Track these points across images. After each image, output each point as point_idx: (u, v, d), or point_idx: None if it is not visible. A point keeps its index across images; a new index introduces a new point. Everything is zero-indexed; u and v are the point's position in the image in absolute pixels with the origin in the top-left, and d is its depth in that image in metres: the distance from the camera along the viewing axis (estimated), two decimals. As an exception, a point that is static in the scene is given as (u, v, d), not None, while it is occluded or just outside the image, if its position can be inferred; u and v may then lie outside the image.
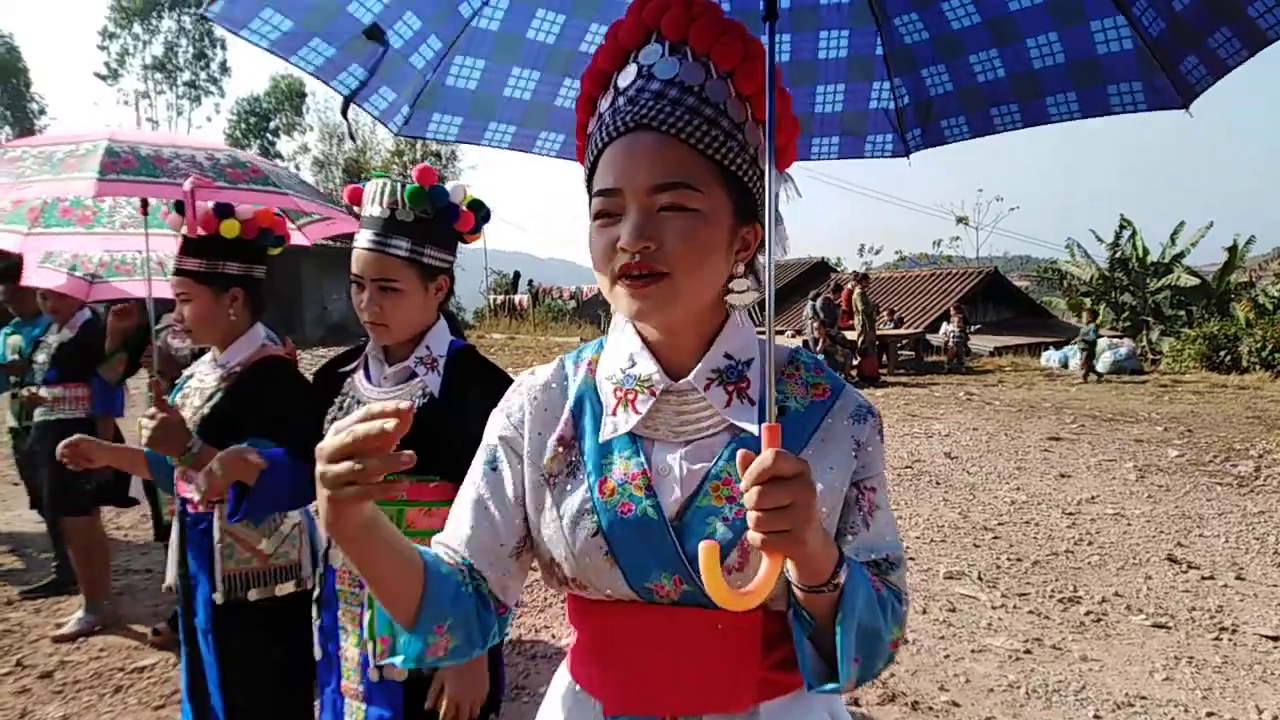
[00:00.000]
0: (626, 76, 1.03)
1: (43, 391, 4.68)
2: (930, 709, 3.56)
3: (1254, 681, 3.79)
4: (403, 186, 1.83)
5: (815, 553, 0.90)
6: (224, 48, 42.63)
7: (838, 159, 1.71)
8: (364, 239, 1.84)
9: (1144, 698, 3.64)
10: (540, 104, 1.61)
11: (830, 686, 0.98)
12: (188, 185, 2.28)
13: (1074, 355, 16.82)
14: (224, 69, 42.85)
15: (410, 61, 1.42)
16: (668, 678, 1.04)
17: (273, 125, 42.70)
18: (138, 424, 2.26)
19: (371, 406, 0.86)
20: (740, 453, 0.89)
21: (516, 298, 30.58)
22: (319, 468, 0.86)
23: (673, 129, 0.98)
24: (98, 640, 4.33)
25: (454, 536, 1.11)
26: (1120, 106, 1.42)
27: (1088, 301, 26.12)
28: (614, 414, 1.08)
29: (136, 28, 40.03)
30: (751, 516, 0.86)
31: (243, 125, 41.72)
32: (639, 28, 1.04)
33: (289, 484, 2.01)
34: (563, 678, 1.18)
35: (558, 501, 1.07)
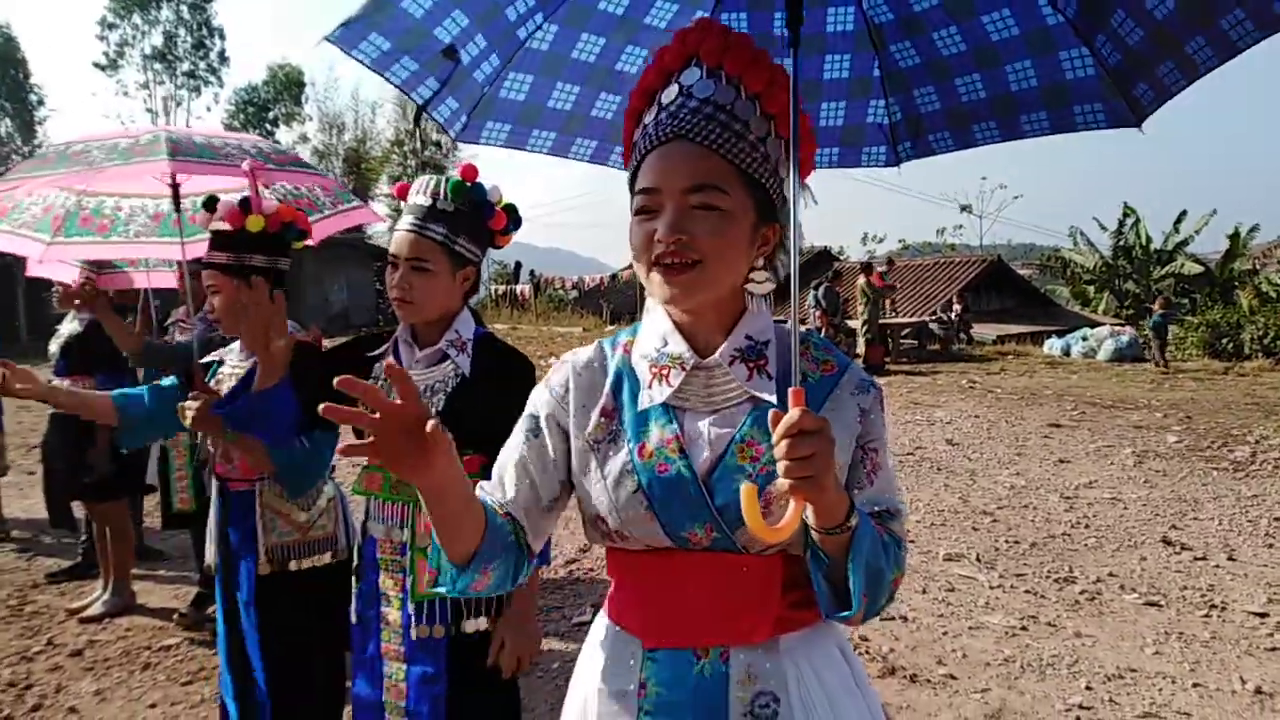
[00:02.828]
0: (669, 94, 1.20)
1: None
2: (929, 681, 3.70)
3: (1240, 655, 3.93)
4: (446, 179, 2.02)
5: (832, 498, 1.06)
6: (222, 37, 42.42)
7: (836, 168, 1.88)
8: (404, 223, 2.01)
9: (1134, 670, 3.78)
10: (578, 114, 1.77)
11: (843, 615, 1.15)
12: (246, 166, 2.48)
13: (1102, 342, 16.87)
14: (223, 58, 42.67)
15: (473, 76, 1.59)
16: (700, 613, 1.19)
17: (271, 115, 42.60)
18: (177, 408, 2.39)
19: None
20: (771, 412, 1.06)
21: (518, 288, 30.68)
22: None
23: (706, 140, 1.14)
24: (123, 621, 4.49)
25: (499, 492, 1.28)
26: (1084, 124, 1.61)
27: (1089, 289, 26.14)
28: (650, 387, 1.23)
29: (136, 18, 39.99)
30: (781, 465, 1.02)
31: (241, 115, 41.68)
32: (682, 53, 1.20)
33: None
34: (602, 622, 1.33)
35: (601, 464, 1.22)
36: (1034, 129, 1.65)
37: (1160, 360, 15.45)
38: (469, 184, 2.00)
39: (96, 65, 40.28)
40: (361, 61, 1.45)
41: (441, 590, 1.19)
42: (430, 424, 1.01)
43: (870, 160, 1.84)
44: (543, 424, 1.29)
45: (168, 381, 2.60)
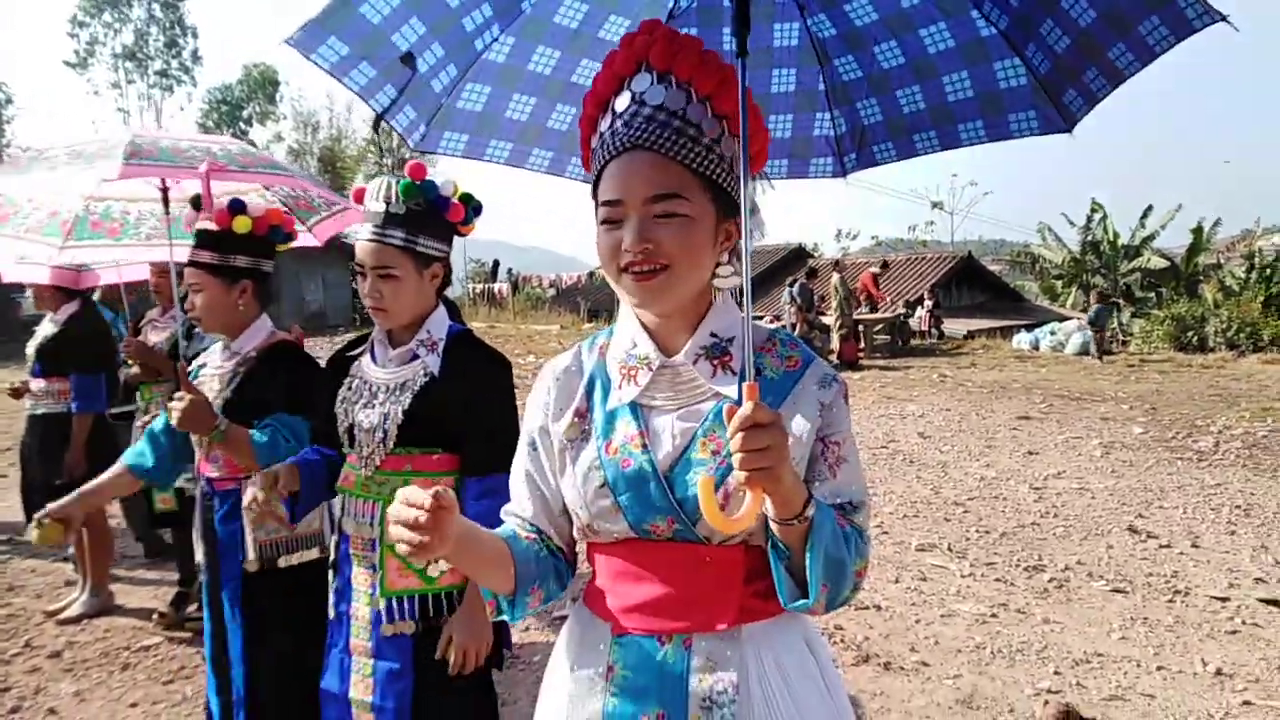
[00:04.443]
0: (622, 102, 1.23)
1: (31, 384, 4.78)
2: (902, 668, 3.79)
3: (1201, 639, 4.05)
4: (397, 182, 2.01)
5: (789, 489, 1.10)
6: (195, 36, 41.99)
7: (785, 179, 1.93)
8: (365, 231, 2.02)
9: (1100, 655, 3.89)
10: (535, 125, 1.81)
11: (800, 603, 1.17)
12: (203, 168, 2.47)
13: (1069, 336, 17.14)
14: (195, 58, 42.21)
15: (430, 85, 1.62)
16: (664, 601, 1.24)
17: (245, 114, 42.22)
18: (167, 407, 2.40)
19: (407, 494, 1.06)
20: (726, 407, 1.11)
21: (496, 286, 30.62)
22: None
23: (662, 149, 1.18)
24: (101, 622, 4.47)
25: (519, 508, 1.37)
26: (1019, 132, 1.68)
27: (1058, 284, 26.53)
28: (619, 388, 1.28)
29: (107, 15, 39.46)
30: (736, 457, 1.06)
31: (215, 115, 41.26)
32: (631, 58, 1.24)
33: (324, 477, 2.17)
34: (580, 608, 1.38)
35: (574, 461, 1.28)
36: (971, 138, 1.72)
37: (1099, 354, 15.77)
38: (419, 183, 2.01)
39: (67, 64, 39.71)
40: (320, 65, 1.46)
41: (505, 618, 1.29)
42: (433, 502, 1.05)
43: (818, 171, 1.90)
44: (537, 437, 1.35)
45: (157, 425, 2.64)
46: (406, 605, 2.00)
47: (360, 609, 2.06)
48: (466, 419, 1.97)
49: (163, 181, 2.75)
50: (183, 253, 2.61)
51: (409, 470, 2.02)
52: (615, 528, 1.25)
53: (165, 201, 2.84)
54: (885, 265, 21.65)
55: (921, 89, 1.73)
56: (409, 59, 1.52)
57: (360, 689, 2.02)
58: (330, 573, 2.18)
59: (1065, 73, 1.56)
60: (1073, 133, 1.63)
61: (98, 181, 2.99)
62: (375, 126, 1.60)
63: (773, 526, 1.15)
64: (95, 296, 5.21)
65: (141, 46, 40.40)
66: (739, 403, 1.12)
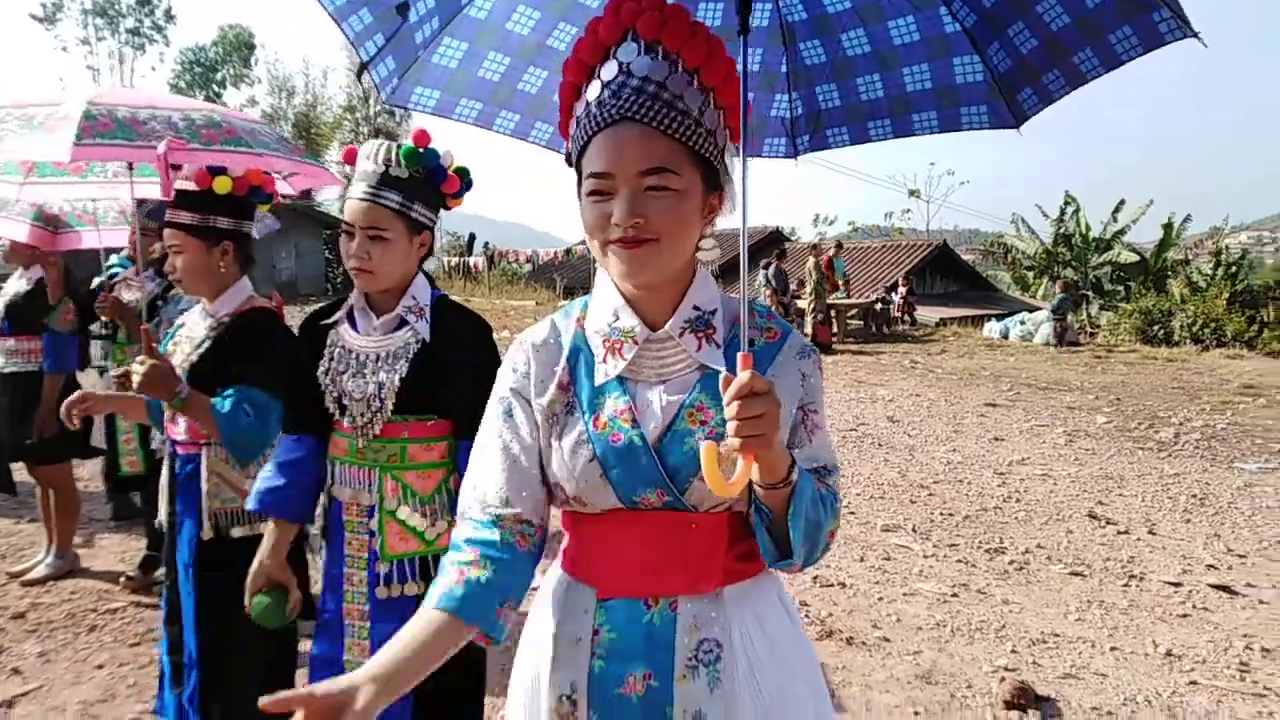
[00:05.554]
0: (609, 71, 1.22)
1: None
2: (864, 644, 3.88)
3: (1154, 621, 4.18)
4: (398, 146, 2.01)
5: (777, 455, 1.14)
6: (168, -7, 41.12)
7: (736, 157, 1.96)
8: (358, 190, 1.99)
9: (1057, 635, 4.00)
10: (505, 86, 1.79)
11: (784, 563, 1.24)
12: (161, 149, 2.39)
13: (1039, 326, 17.39)
14: (169, 16, 41.31)
15: (413, 38, 1.60)
16: (652, 568, 1.27)
17: (219, 76, 41.48)
18: (131, 371, 2.39)
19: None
20: (723, 376, 1.13)
21: (472, 260, 30.41)
22: None
23: (653, 121, 1.18)
24: (67, 584, 4.44)
25: (493, 490, 1.28)
26: (969, 125, 1.72)
27: (1029, 275, 26.84)
28: (604, 361, 1.28)
29: (76, -32, 38.50)
30: (732, 425, 1.08)
31: (188, 76, 40.47)
32: (617, 26, 1.22)
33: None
34: (556, 574, 1.39)
35: (559, 435, 1.27)
36: (923, 128, 1.76)
37: (1059, 340, 16.03)
38: (422, 149, 2.01)
39: (34, 17, 38.69)
40: (326, 9, 1.46)
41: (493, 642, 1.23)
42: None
43: (771, 151, 1.91)
44: (513, 403, 1.32)
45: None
46: (408, 568, 2.01)
47: (355, 574, 2.06)
48: (459, 383, 1.97)
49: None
50: (147, 190, 2.52)
51: (406, 437, 2.03)
52: (603, 500, 1.25)
53: (131, 166, 2.79)
54: (839, 246, 21.66)
55: (882, 78, 1.75)
56: (403, 8, 1.50)
57: (356, 652, 2.03)
58: (319, 538, 2.18)
59: (1026, 72, 1.60)
60: (1020, 129, 1.67)
61: (44, 156, 2.88)
62: (359, 75, 1.59)
63: (758, 491, 1.19)
64: (124, 253, 5.15)
65: (112, 3, 39.43)
66: (733, 372, 1.14)
